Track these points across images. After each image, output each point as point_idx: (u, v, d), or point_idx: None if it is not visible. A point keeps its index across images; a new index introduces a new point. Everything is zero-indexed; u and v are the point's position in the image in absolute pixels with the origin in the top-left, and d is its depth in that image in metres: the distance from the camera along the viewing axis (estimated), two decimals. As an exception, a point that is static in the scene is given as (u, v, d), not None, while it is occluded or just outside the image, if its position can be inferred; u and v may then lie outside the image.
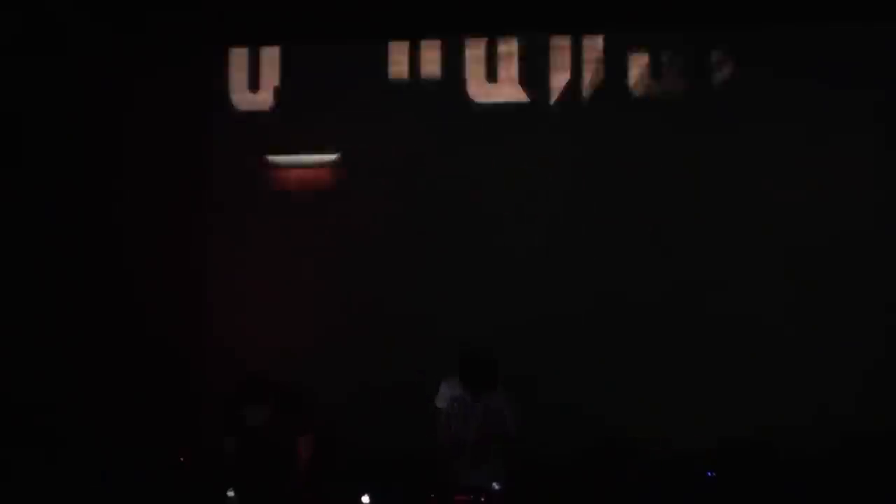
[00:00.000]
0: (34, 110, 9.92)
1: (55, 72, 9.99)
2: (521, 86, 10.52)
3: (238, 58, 10.73)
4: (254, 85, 10.72)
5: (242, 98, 10.73)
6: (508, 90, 10.57)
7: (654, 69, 10.40)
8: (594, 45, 10.46)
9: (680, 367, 10.09)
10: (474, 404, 8.45)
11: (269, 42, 10.58)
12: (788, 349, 10.02)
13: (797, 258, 10.08)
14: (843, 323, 9.99)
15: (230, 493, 8.20)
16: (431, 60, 10.63)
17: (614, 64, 10.45)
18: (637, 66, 10.41)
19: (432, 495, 8.15)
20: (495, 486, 8.03)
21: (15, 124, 9.84)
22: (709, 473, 9.48)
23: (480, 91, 10.60)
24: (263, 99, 10.72)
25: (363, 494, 8.10)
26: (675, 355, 10.12)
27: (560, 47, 10.49)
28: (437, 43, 10.59)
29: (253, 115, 10.70)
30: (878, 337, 9.94)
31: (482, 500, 7.99)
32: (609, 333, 10.21)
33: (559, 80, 10.49)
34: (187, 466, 9.31)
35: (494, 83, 10.58)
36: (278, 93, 10.71)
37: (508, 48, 10.53)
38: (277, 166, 10.70)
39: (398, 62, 10.66)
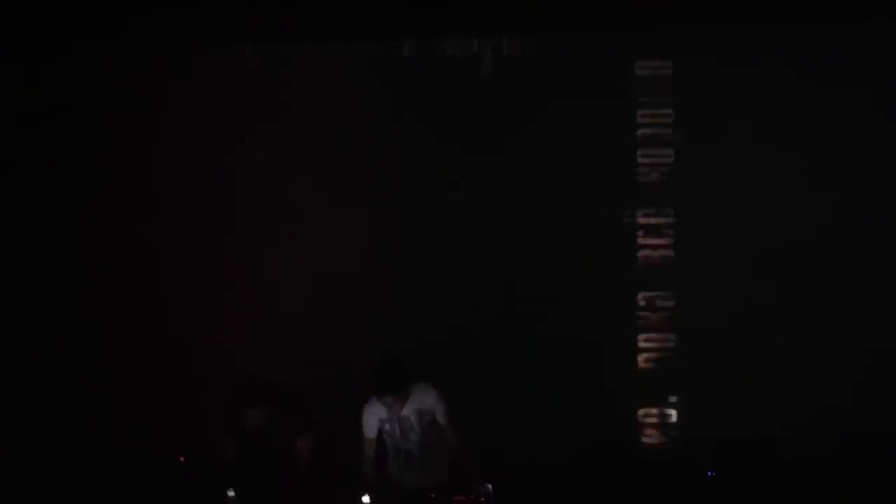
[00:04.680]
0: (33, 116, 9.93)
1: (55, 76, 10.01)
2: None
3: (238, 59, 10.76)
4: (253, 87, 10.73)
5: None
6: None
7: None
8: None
9: (680, 367, 10.11)
10: (405, 416, 8.30)
11: (269, 42, 10.57)
12: (789, 347, 10.03)
13: (800, 255, 10.09)
14: (844, 321, 10.00)
15: (230, 493, 8.20)
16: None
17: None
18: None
19: (432, 495, 8.14)
20: (489, 486, 8.00)
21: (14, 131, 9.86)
22: (709, 473, 9.48)
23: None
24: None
25: (363, 494, 8.09)
26: (674, 354, 10.13)
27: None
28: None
29: (254, 115, 10.69)
30: (880, 334, 9.94)
31: (482, 500, 7.97)
32: (608, 333, 10.22)
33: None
34: (187, 466, 9.32)
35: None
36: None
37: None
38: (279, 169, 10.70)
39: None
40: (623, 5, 9.94)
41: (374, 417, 8.31)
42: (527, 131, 10.32)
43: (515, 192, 10.37)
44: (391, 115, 10.47)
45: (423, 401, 8.23)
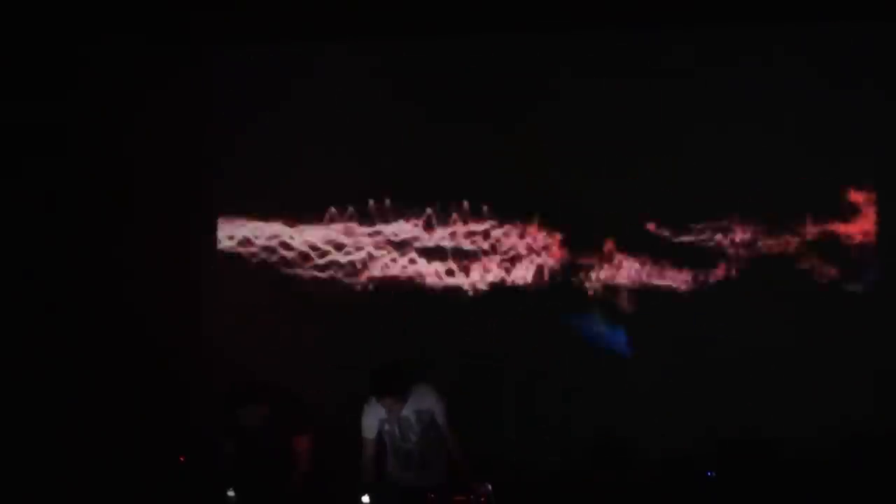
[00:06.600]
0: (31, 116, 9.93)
1: (54, 77, 10.01)
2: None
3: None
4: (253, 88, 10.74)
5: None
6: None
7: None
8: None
9: (680, 367, 10.12)
10: (405, 415, 8.35)
11: (269, 43, 10.58)
12: (789, 349, 10.04)
13: (801, 260, 10.11)
14: (844, 323, 10.02)
15: (230, 493, 8.22)
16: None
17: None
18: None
19: (432, 495, 8.17)
20: (489, 486, 8.04)
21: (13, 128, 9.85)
22: (709, 473, 9.49)
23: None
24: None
25: (363, 494, 8.11)
26: (675, 355, 10.15)
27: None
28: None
29: (254, 119, 10.69)
30: (880, 338, 9.95)
31: (482, 500, 8.00)
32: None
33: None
34: (187, 466, 9.34)
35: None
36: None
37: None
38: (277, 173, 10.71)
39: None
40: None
41: (374, 418, 8.33)
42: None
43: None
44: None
45: (423, 401, 8.27)
